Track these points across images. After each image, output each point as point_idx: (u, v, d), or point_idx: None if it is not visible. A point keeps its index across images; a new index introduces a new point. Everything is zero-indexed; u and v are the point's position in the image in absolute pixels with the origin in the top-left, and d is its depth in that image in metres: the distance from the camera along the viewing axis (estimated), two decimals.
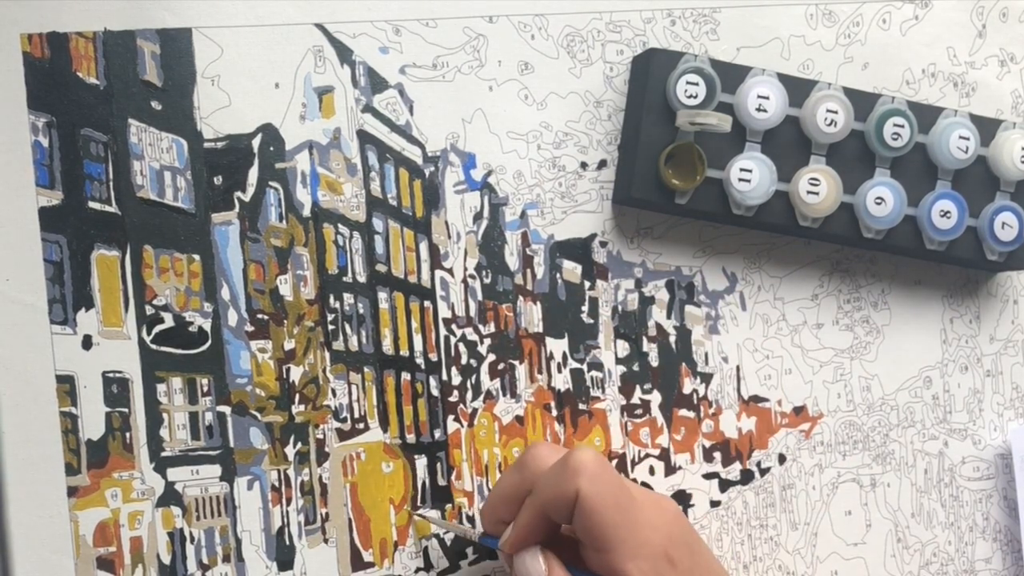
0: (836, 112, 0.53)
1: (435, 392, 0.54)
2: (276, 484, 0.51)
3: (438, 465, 0.54)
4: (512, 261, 0.54)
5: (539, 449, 0.49)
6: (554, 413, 0.55)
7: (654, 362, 0.56)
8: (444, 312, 0.54)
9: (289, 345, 0.51)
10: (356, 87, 0.52)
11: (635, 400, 0.56)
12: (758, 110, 0.53)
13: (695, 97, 0.52)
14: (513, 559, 0.49)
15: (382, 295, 0.53)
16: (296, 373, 0.52)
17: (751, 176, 0.53)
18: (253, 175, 0.51)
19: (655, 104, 0.53)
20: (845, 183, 0.54)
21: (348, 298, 0.52)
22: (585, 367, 0.55)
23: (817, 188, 0.54)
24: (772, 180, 0.53)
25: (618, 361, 0.56)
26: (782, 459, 0.58)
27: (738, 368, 0.57)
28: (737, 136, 0.53)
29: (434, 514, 0.53)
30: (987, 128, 0.56)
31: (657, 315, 0.56)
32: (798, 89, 0.54)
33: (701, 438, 0.57)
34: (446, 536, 0.54)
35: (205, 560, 0.50)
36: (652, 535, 0.47)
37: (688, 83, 0.52)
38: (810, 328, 0.58)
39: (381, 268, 0.53)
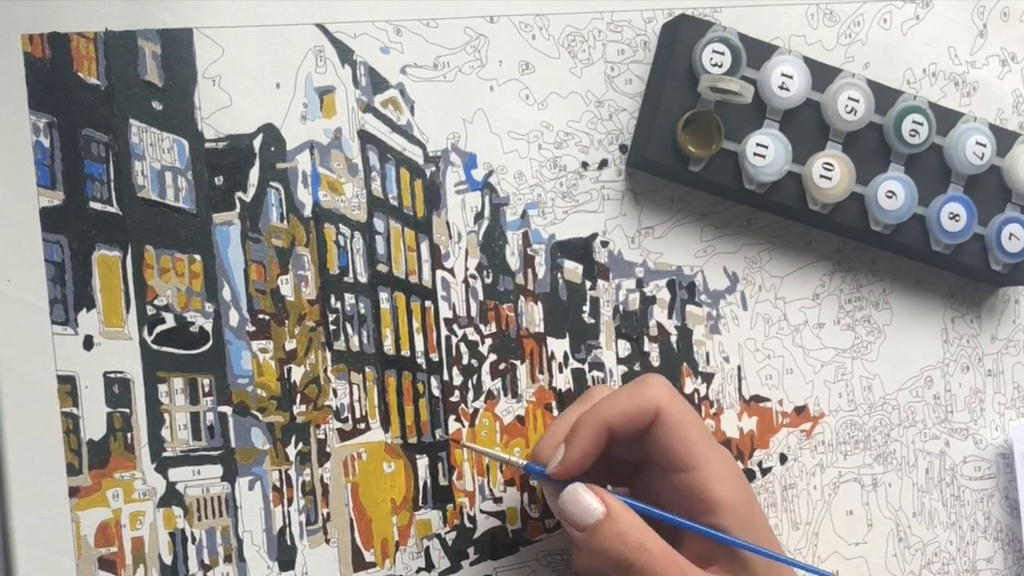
0: (857, 101, 0.54)
1: (436, 392, 0.54)
2: (277, 484, 0.51)
3: (439, 465, 0.54)
4: (513, 261, 0.54)
5: (603, 388, 0.48)
6: (555, 413, 0.55)
7: (655, 362, 0.56)
8: (445, 312, 0.54)
9: (290, 345, 0.51)
10: (357, 87, 0.52)
11: None
12: (780, 88, 0.53)
13: (720, 67, 0.52)
14: (560, 499, 0.45)
15: (383, 295, 0.53)
16: (297, 373, 0.52)
17: (767, 152, 0.53)
18: (254, 175, 0.51)
19: (679, 70, 0.53)
20: (859, 174, 0.55)
21: (349, 298, 0.52)
22: (586, 367, 0.55)
23: (831, 173, 0.54)
24: (787, 159, 0.53)
25: (619, 361, 0.56)
26: (783, 459, 0.58)
27: (739, 368, 0.57)
28: (757, 111, 0.54)
29: (479, 446, 0.52)
30: (1005, 139, 0.56)
31: (658, 315, 0.56)
32: (822, 74, 0.54)
33: None
34: (447, 536, 0.54)
35: (206, 560, 0.50)
36: (732, 459, 0.46)
37: (714, 51, 0.52)
38: (811, 328, 0.58)
39: (382, 268, 0.53)
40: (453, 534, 0.54)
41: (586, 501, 0.45)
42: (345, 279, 0.52)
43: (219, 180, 0.51)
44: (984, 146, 0.55)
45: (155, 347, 0.50)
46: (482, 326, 0.54)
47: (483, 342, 0.54)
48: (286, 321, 0.51)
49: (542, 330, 0.55)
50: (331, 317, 0.52)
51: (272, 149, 0.51)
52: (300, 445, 0.52)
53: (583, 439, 0.45)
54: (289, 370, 0.51)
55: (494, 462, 0.54)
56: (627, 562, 0.44)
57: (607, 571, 0.45)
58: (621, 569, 0.44)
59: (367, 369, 0.53)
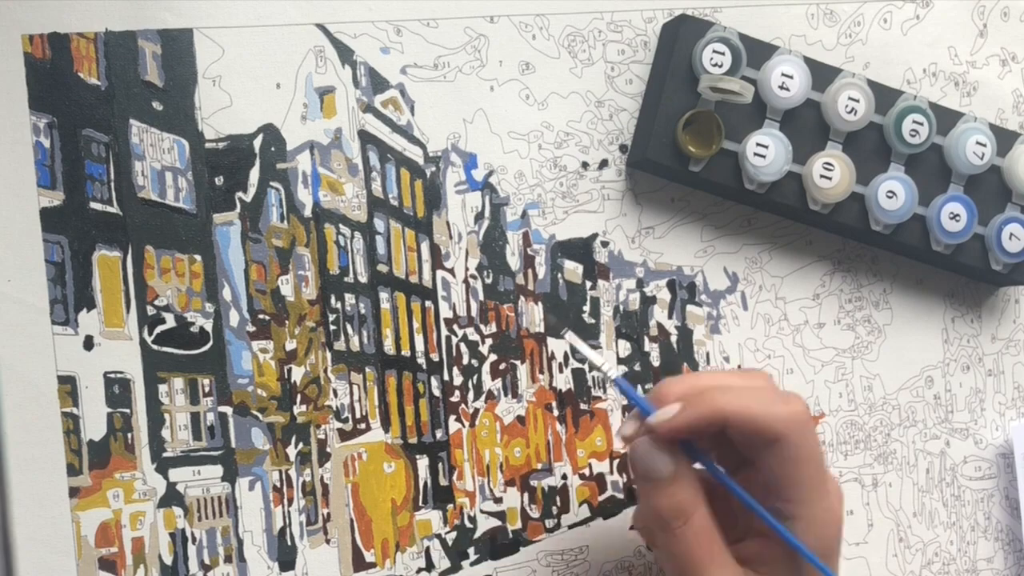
0: (857, 101, 0.54)
1: (436, 392, 0.54)
2: (278, 484, 0.51)
3: (440, 465, 0.54)
4: (513, 261, 0.55)
5: (763, 376, 0.46)
6: (555, 413, 0.55)
7: (656, 362, 0.56)
8: (445, 312, 0.54)
9: (290, 345, 0.51)
10: (357, 87, 0.52)
11: None
12: (781, 88, 0.53)
13: (720, 67, 0.52)
14: (634, 445, 0.44)
15: (383, 295, 0.53)
16: (297, 373, 0.52)
17: (767, 152, 0.53)
18: (254, 175, 0.51)
19: (679, 70, 0.53)
20: (859, 174, 0.55)
21: (349, 298, 0.52)
22: (586, 367, 0.55)
23: (831, 173, 0.54)
24: (787, 159, 0.53)
25: (620, 361, 0.56)
26: None
27: (739, 368, 0.57)
28: (757, 111, 0.54)
29: (579, 342, 0.48)
30: (1005, 139, 0.56)
31: (658, 315, 0.56)
32: (822, 75, 0.54)
33: None
34: (447, 536, 0.54)
35: (207, 560, 0.50)
36: (837, 506, 0.45)
37: (715, 51, 0.52)
38: (811, 328, 0.58)
39: (382, 268, 0.53)
40: (453, 534, 0.54)
41: (658, 457, 0.44)
42: (345, 279, 0.52)
43: (219, 180, 0.51)
44: (984, 146, 0.55)
45: (155, 347, 0.50)
46: (482, 326, 0.54)
47: (483, 342, 0.54)
48: (286, 321, 0.51)
49: (542, 330, 0.55)
50: (331, 317, 0.52)
51: (272, 149, 0.51)
52: (300, 445, 0.52)
53: (700, 415, 0.43)
54: (289, 370, 0.51)
55: (494, 463, 0.54)
56: (667, 526, 0.44)
57: (652, 528, 0.45)
58: (660, 530, 0.45)
59: (367, 369, 0.53)
